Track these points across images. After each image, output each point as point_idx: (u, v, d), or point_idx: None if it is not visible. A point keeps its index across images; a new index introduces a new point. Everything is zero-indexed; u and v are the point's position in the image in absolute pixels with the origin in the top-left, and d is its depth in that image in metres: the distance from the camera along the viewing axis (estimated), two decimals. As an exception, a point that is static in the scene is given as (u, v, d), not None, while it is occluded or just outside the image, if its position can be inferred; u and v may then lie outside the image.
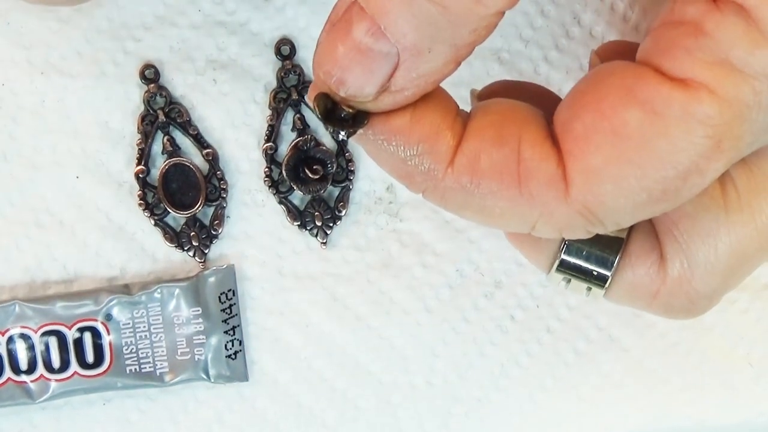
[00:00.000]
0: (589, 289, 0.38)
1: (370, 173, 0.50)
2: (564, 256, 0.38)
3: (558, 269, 0.39)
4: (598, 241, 0.37)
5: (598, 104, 0.33)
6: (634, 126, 0.32)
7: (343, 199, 0.50)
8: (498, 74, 0.49)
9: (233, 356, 0.49)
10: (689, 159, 0.32)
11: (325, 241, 0.50)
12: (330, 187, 0.50)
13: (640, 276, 0.37)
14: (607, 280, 0.38)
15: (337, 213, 0.50)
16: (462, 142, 0.34)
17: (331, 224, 0.50)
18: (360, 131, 0.34)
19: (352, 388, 0.50)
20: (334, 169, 0.49)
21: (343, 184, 0.50)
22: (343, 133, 0.34)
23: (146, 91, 0.49)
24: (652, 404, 0.51)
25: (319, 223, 0.50)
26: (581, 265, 0.38)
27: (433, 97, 0.34)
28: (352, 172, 0.50)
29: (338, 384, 0.50)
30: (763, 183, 0.36)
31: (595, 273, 0.38)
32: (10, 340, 0.48)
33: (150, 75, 0.49)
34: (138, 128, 0.49)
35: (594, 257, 0.38)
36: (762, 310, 0.51)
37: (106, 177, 0.49)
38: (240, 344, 0.49)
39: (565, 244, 0.38)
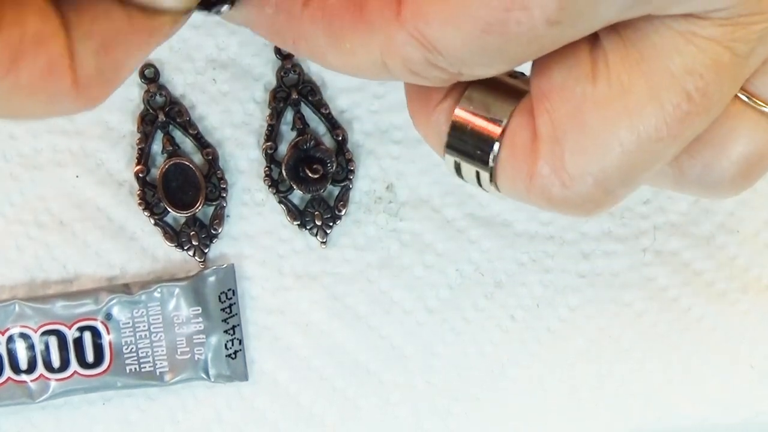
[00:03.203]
0: (478, 174, 0.37)
1: (370, 173, 0.50)
2: (450, 137, 0.36)
3: (447, 150, 0.37)
4: (483, 118, 0.36)
5: None
6: None
7: (343, 198, 0.50)
8: None
9: (233, 356, 0.49)
10: None
11: (324, 240, 0.50)
12: (330, 187, 0.50)
13: (516, 155, 0.35)
14: (488, 162, 0.36)
15: (336, 212, 0.50)
16: None
17: (331, 224, 0.50)
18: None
19: (352, 387, 0.50)
20: (334, 168, 0.49)
21: (342, 184, 0.50)
22: (225, 7, 0.33)
23: (146, 91, 0.49)
24: (652, 404, 0.51)
25: (318, 223, 0.49)
26: (466, 144, 0.37)
27: None
28: (352, 171, 0.50)
29: (338, 383, 0.50)
30: (637, 61, 0.34)
31: (478, 153, 0.37)
32: (10, 339, 0.48)
33: (150, 74, 0.49)
34: (138, 128, 0.49)
35: (476, 136, 0.36)
36: (763, 311, 0.51)
37: (106, 177, 0.49)
38: (240, 344, 0.49)
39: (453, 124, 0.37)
